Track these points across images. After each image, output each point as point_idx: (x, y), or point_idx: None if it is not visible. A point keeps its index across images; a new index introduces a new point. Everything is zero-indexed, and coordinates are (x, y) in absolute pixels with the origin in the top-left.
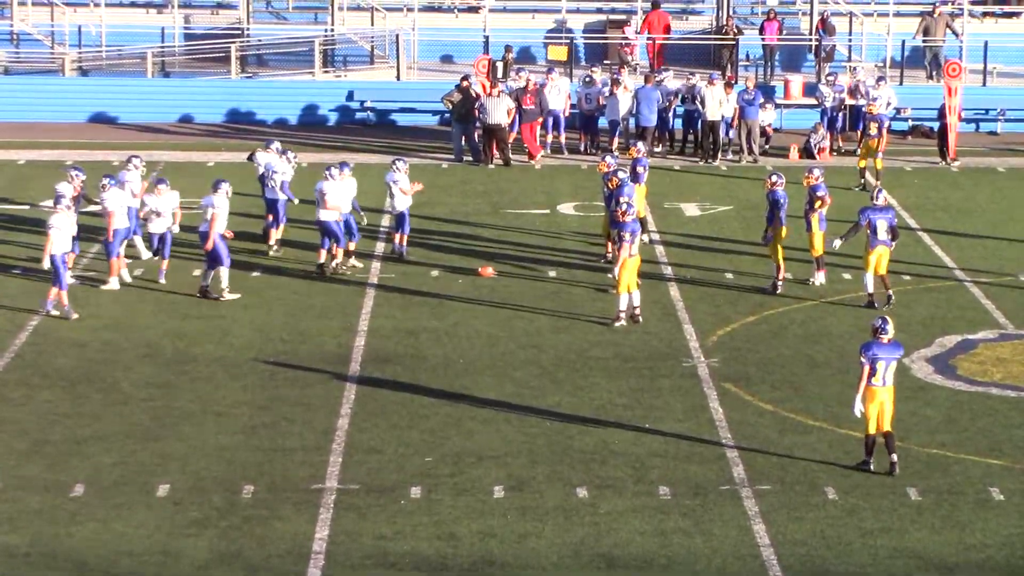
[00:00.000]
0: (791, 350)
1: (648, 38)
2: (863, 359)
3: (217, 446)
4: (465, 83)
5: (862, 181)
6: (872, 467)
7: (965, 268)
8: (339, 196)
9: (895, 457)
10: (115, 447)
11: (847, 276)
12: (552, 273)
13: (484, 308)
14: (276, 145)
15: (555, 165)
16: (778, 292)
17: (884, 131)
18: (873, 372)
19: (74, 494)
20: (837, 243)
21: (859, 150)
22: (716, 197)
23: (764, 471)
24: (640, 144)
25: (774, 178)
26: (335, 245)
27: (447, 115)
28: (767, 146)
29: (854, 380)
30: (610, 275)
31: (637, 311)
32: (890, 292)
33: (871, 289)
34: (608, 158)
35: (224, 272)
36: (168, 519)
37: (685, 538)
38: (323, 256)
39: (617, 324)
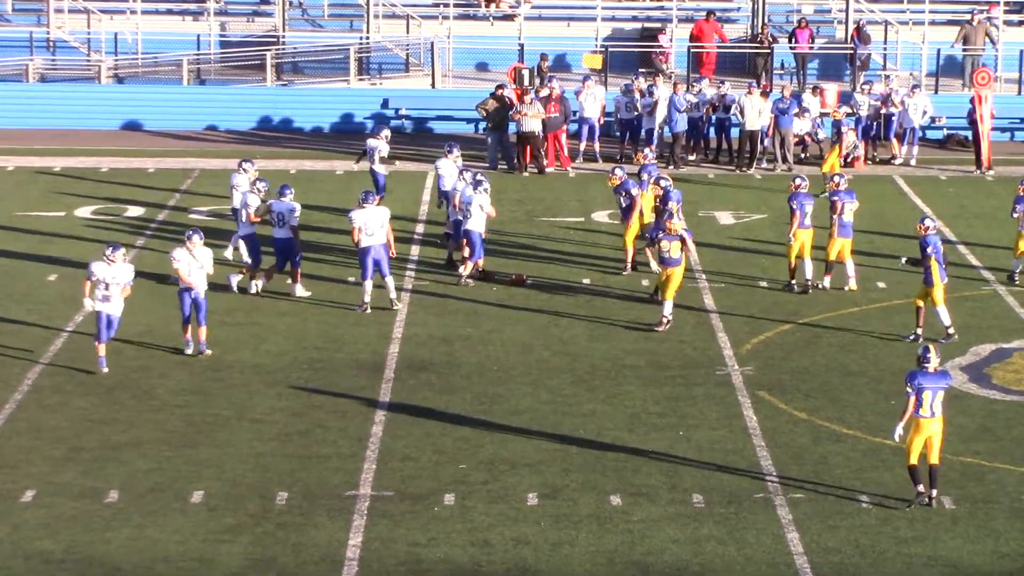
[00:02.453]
0: (825, 358)
1: (696, 47)
2: (909, 389)
3: (252, 453)
4: (500, 91)
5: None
6: (926, 498)
7: (1000, 277)
8: (372, 225)
9: (935, 492)
10: (150, 453)
11: (881, 285)
12: (586, 281)
13: (518, 316)
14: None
15: (589, 173)
16: (795, 291)
17: (843, 137)
18: (920, 403)
19: (109, 500)
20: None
21: (826, 156)
22: (750, 206)
23: (798, 479)
24: (647, 150)
25: (798, 181)
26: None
27: (483, 123)
28: (804, 155)
29: (888, 389)
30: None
31: (665, 319)
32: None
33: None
34: (617, 171)
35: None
36: (202, 525)
37: (719, 546)
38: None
39: (661, 329)
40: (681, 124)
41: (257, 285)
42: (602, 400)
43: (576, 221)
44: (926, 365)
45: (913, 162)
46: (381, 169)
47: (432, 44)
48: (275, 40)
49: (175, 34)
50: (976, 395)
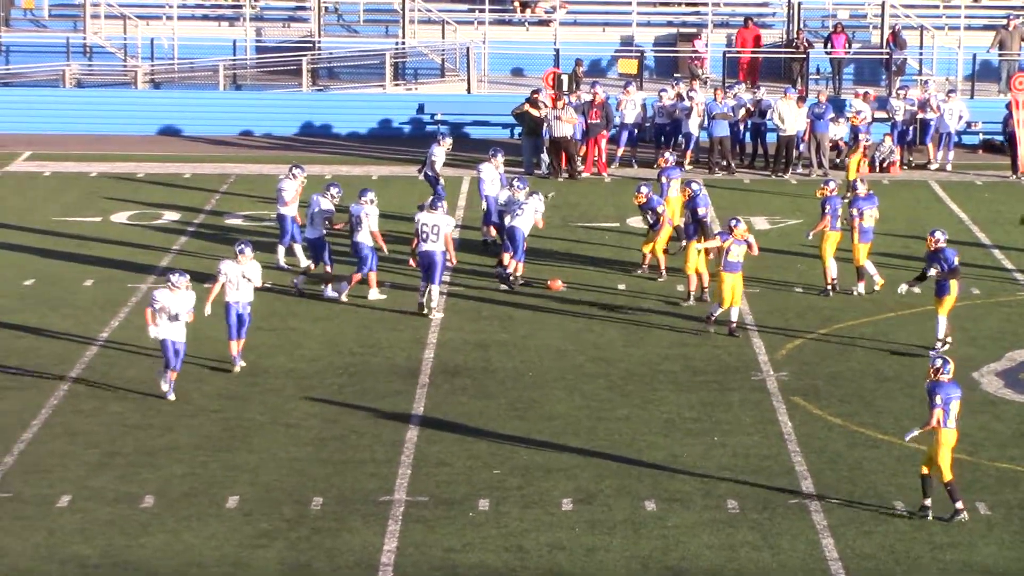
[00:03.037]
0: (860, 364)
1: (732, 52)
2: (937, 400)
3: (287, 458)
4: (536, 96)
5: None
6: (930, 514)
7: None
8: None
9: (929, 502)
10: (185, 458)
11: (916, 291)
12: (621, 286)
13: (554, 321)
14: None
15: (625, 179)
16: (830, 296)
17: (861, 142)
18: (947, 414)
19: (144, 505)
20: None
21: (847, 160)
22: (786, 211)
23: (833, 485)
24: (668, 154)
25: (831, 185)
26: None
27: (518, 128)
28: (839, 160)
29: (922, 394)
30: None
31: (734, 325)
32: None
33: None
34: (643, 188)
35: (372, 276)
36: (237, 530)
37: (753, 552)
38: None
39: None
40: (722, 129)
41: (339, 289)
42: (637, 405)
43: (611, 226)
44: (944, 376)
45: (949, 167)
46: (437, 171)
47: (467, 49)
48: (311, 45)
49: (211, 39)
50: (1012, 400)
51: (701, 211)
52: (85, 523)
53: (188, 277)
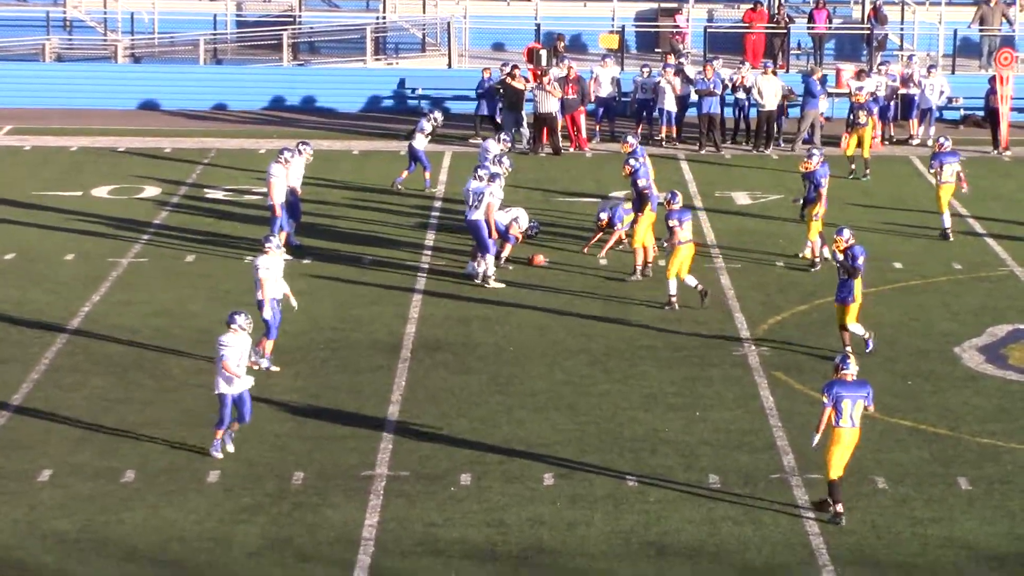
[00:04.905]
0: (841, 339)
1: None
2: (825, 399)
3: (268, 433)
4: (515, 70)
5: (852, 168)
6: (843, 520)
7: (1016, 255)
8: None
9: (840, 507)
10: (166, 433)
11: (898, 265)
12: (603, 262)
13: (535, 296)
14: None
15: (606, 154)
16: (815, 269)
17: (874, 119)
18: (839, 413)
19: (125, 480)
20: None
21: (846, 139)
22: (767, 186)
23: (814, 460)
24: (630, 137)
25: (815, 158)
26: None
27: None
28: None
29: (904, 370)
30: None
31: (699, 287)
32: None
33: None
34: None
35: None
36: (219, 506)
37: (735, 527)
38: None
39: (667, 308)
40: (710, 106)
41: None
42: (618, 380)
43: (592, 202)
44: (844, 373)
45: (930, 142)
46: (420, 146)
47: (448, 24)
48: (291, 20)
49: (191, 14)
50: (992, 376)
51: (642, 183)
52: (66, 498)
53: (247, 315)
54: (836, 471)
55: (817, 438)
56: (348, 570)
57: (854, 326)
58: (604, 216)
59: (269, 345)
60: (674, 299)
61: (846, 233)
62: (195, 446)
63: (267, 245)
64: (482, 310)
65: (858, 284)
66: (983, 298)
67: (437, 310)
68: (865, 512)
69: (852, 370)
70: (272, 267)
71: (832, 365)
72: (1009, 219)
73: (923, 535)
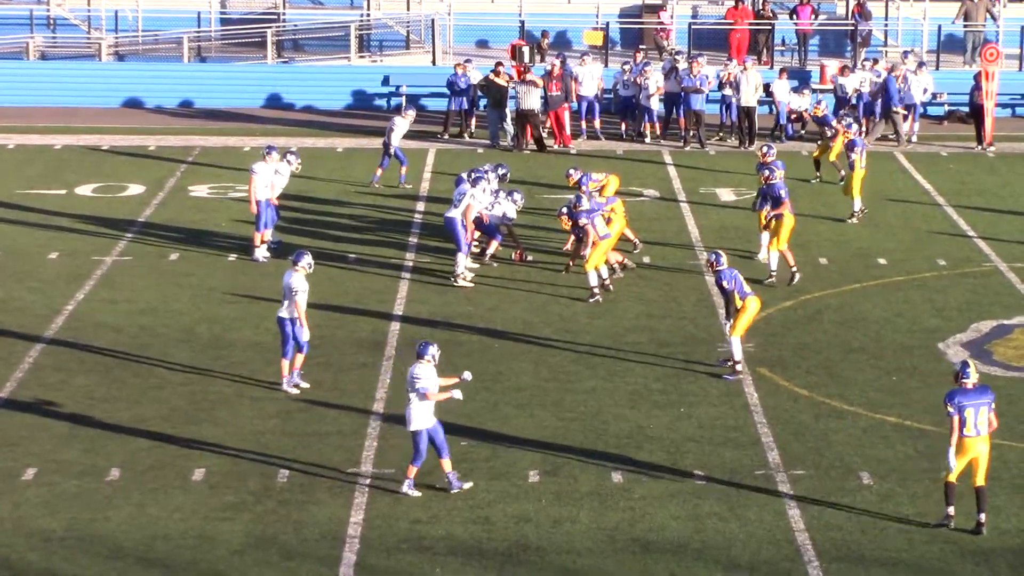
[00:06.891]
0: (826, 335)
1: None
2: (950, 409)
3: (253, 431)
4: (499, 68)
5: (818, 174)
6: (952, 523)
7: (1000, 251)
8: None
9: (983, 517)
10: (151, 431)
11: (882, 261)
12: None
13: (520, 293)
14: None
15: (591, 151)
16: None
17: (841, 126)
18: (963, 422)
19: (110, 478)
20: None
21: (817, 145)
22: (751, 182)
23: (799, 456)
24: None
25: (772, 151)
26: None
27: (483, 100)
28: (803, 131)
29: (889, 365)
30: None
31: (607, 281)
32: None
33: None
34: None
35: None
36: (204, 503)
37: (720, 523)
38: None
39: (592, 300)
40: (696, 103)
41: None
42: (603, 377)
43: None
44: (964, 381)
45: (914, 138)
46: (395, 142)
47: (432, 21)
48: (275, 17)
49: (175, 11)
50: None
51: (582, 222)
52: (51, 496)
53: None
54: (955, 475)
55: (952, 456)
56: (333, 567)
57: (735, 340)
58: (565, 211)
59: (300, 360)
60: (596, 290)
61: (717, 255)
62: (181, 440)
63: (299, 264)
64: (466, 308)
65: (736, 300)
66: (968, 294)
67: (422, 308)
68: (850, 508)
69: (973, 378)
70: (305, 286)
71: (952, 373)
72: (993, 213)
73: (908, 531)
